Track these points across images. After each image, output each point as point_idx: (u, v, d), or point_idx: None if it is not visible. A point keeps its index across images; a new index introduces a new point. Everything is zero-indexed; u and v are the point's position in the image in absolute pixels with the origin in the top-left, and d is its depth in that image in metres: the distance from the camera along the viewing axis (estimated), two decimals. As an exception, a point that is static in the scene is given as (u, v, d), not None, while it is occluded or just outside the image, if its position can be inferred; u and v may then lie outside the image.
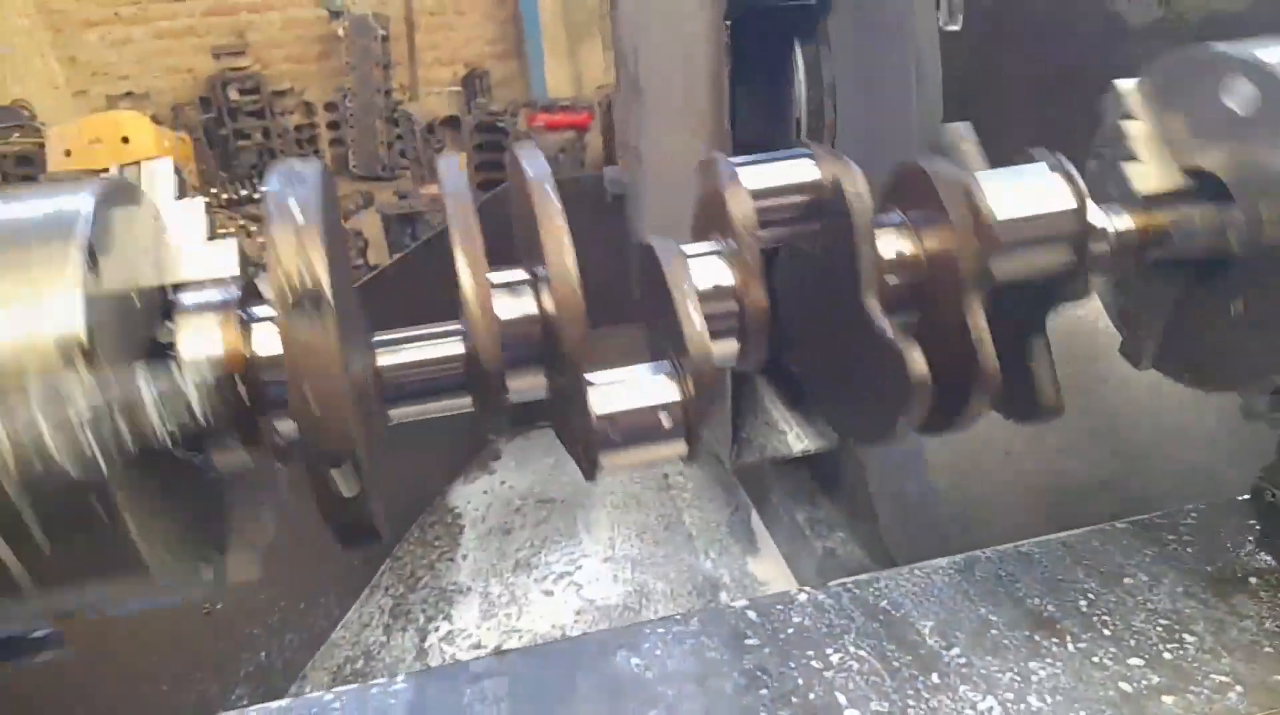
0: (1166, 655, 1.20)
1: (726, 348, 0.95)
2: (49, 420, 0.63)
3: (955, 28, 1.49)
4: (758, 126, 1.99)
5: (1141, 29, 1.71)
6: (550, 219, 0.84)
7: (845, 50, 1.75)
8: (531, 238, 0.86)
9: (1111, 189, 1.08)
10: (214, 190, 9.27)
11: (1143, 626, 1.25)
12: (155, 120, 9.22)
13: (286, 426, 0.80)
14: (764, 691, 1.19)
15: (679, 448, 0.90)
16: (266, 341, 0.80)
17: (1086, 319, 1.88)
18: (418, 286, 1.56)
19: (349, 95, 9.88)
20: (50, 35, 9.73)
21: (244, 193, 9.31)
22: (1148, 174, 1.04)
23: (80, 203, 0.72)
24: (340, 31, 9.96)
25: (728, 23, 1.75)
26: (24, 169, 8.63)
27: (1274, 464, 1.46)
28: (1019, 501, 1.83)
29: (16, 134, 9.04)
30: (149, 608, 0.77)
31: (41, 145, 8.77)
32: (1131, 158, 1.05)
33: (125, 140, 8.51)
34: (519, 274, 0.90)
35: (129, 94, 9.88)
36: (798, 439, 2.08)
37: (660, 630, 1.32)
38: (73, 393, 0.64)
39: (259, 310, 0.83)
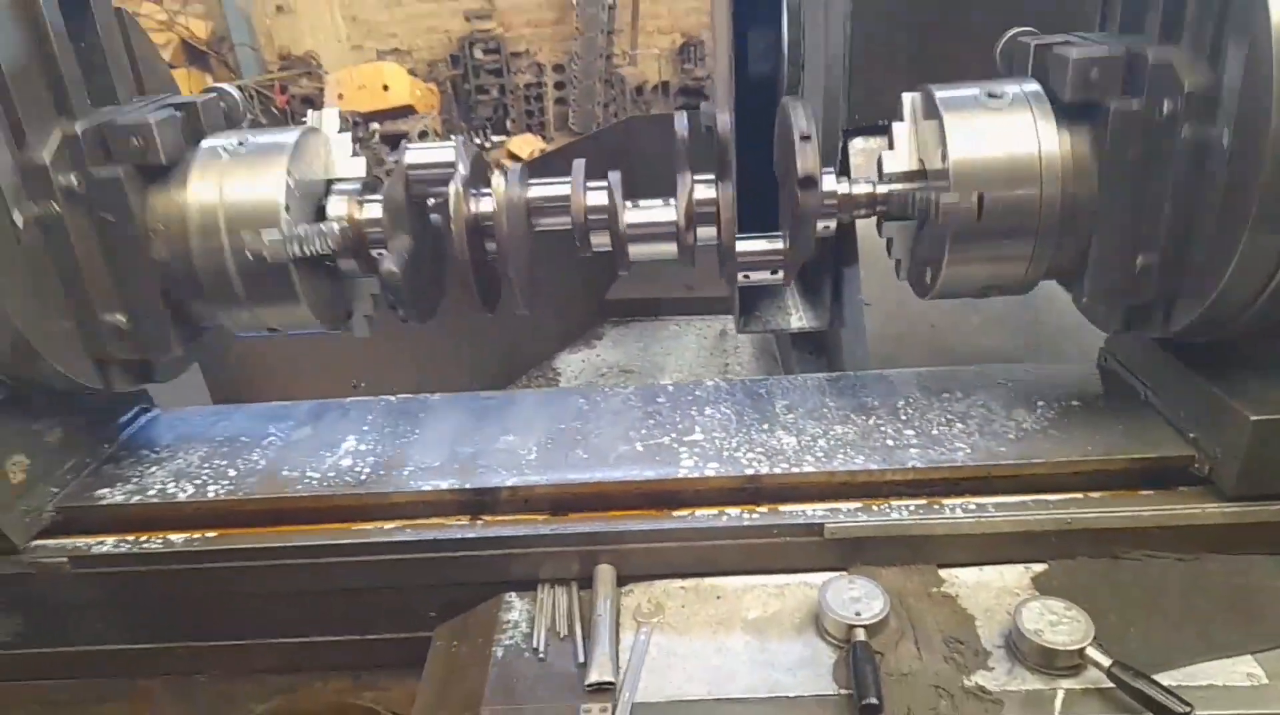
0: (934, 432, 1.66)
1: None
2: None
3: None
4: (763, 61, 2.47)
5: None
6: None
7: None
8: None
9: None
10: (454, 136, 10.57)
11: (932, 417, 1.71)
12: (412, 73, 10.66)
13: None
14: (651, 422, 1.77)
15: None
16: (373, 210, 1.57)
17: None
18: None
19: (574, 58, 10.89)
20: (339, -2, 11.47)
21: (478, 141, 10.56)
22: (896, 159, 1.54)
23: (288, 137, 1.51)
24: (574, 0, 10.96)
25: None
26: (307, 108, 10.30)
27: (1111, 340, 1.82)
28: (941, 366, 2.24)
29: (305, 79, 10.79)
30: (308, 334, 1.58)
31: (322, 89, 10.45)
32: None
33: (386, 88, 9.98)
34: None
35: (395, 50, 11.44)
36: (798, 319, 2.57)
37: (607, 391, 1.92)
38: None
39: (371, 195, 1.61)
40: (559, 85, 11.08)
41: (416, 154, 1.59)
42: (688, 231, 1.57)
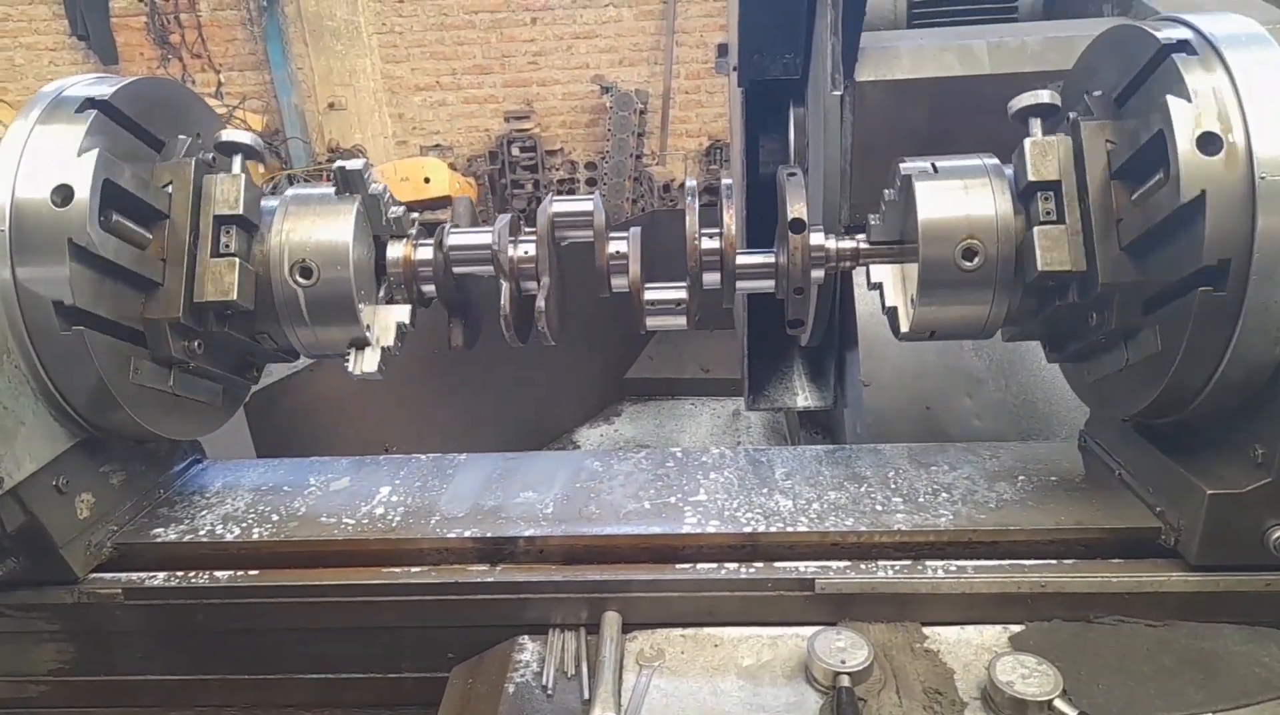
0: (920, 500, 1.79)
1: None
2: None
3: (838, 93, 2.14)
4: (772, 164, 2.70)
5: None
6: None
7: (813, 107, 2.44)
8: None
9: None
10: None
11: (919, 487, 1.84)
12: (452, 167, 11.20)
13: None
14: (659, 483, 1.92)
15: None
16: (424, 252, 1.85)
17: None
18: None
19: (606, 157, 11.42)
20: (388, 97, 12.16)
21: (510, 232, 10.98)
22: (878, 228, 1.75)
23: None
24: (608, 104, 11.55)
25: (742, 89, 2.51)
26: (351, 198, 10.81)
27: (1090, 422, 1.96)
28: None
29: (350, 171, 11.36)
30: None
31: (366, 181, 10.98)
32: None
33: (427, 180, 10.49)
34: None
35: (437, 145, 12.06)
36: (804, 398, 2.72)
37: (620, 454, 2.08)
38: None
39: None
40: (590, 181, 11.60)
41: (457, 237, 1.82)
42: (698, 269, 1.76)
